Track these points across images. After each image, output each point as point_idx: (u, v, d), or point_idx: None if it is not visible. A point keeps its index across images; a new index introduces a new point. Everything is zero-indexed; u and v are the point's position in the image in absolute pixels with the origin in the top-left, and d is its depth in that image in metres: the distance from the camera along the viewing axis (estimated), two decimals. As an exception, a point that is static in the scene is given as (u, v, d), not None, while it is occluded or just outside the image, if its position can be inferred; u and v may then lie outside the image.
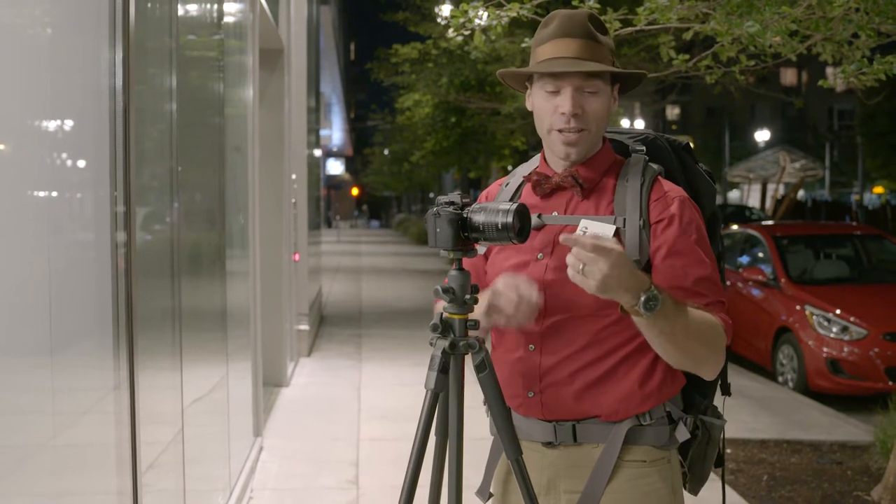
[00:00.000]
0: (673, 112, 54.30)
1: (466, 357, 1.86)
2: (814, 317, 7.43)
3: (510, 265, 2.01)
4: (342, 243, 31.17)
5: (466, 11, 4.76)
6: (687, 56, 5.06)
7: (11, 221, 1.90)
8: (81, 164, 2.33)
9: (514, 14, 4.63)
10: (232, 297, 4.33)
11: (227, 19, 4.34)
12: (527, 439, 2.01)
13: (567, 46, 1.92)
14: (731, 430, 5.68)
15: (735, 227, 10.28)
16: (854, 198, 39.67)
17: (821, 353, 7.26)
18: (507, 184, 2.15)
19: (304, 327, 8.22)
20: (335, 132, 36.90)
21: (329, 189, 44.58)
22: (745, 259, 9.12)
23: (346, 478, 4.84)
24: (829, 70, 31.67)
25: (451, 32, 5.04)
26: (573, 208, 1.99)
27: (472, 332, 1.86)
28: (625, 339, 1.93)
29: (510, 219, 1.76)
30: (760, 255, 8.81)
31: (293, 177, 7.61)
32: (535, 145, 18.20)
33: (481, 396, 1.89)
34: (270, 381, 6.68)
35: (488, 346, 1.94)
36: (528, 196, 2.06)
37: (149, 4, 2.82)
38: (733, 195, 41.32)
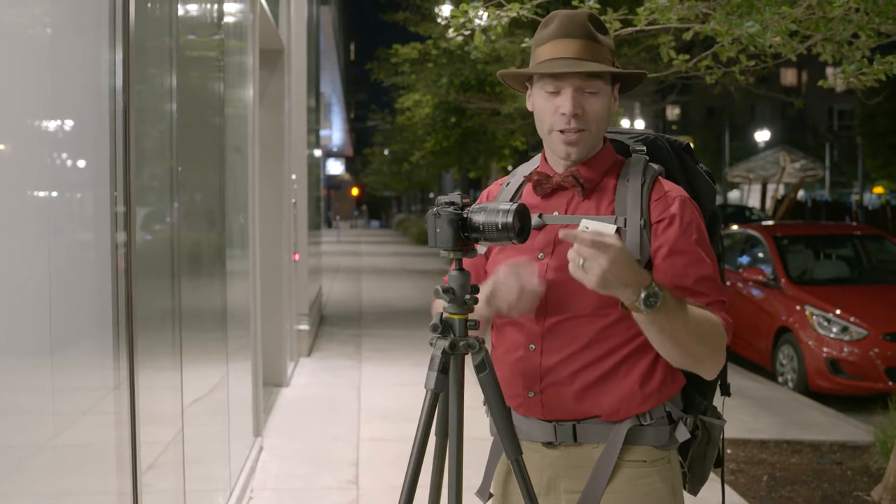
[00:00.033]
0: (673, 112, 54.29)
1: (466, 357, 1.87)
2: (814, 317, 7.43)
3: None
4: (342, 243, 31.17)
5: (466, 11, 4.76)
6: (687, 56, 5.06)
7: (11, 221, 1.90)
8: (81, 164, 2.33)
9: (514, 14, 4.63)
10: (232, 297, 4.33)
11: (228, 19, 4.34)
12: (527, 439, 2.01)
13: (567, 47, 1.93)
14: (731, 430, 5.68)
15: (735, 227, 10.28)
16: (854, 198, 39.66)
17: (821, 353, 7.26)
18: (508, 183, 2.15)
19: (304, 327, 8.22)
20: (335, 132, 36.90)
21: (329, 189, 44.60)
22: (745, 259, 9.12)
23: (346, 478, 4.84)
24: (829, 70, 31.67)
25: (451, 32, 5.04)
26: (574, 208, 2.00)
27: (472, 332, 1.86)
28: (625, 339, 1.93)
29: (510, 219, 1.76)
30: (760, 255, 8.81)
31: (293, 177, 7.61)
32: (536, 145, 18.20)
33: (481, 396, 1.89)
34: (270, 381, 6.68)
35: (488, 345, 1.94)
36: (528, 196, 2.06)
37: (149, 4, 2.82)
38: (733, 195, 41.31)
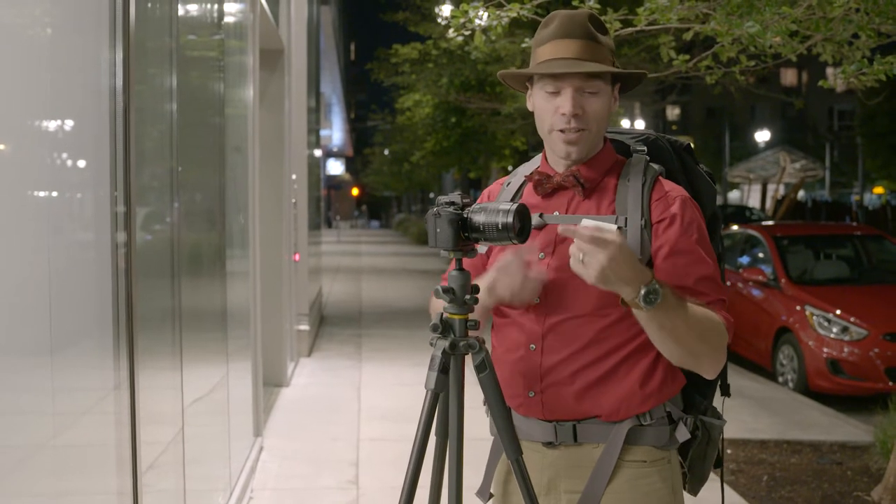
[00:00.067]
0: (673, 112, 54.30)
1: (467, 357, 1.87)
2: (814, 317, 7.43)
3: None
4: (342, 243, 31.17)
5: (467, 12, 4.76)
6: (687, 56, 5.06)
7: (11, 221, 1.90)
8: (81, 164, 2.33)
9: (515, 14, 4.63)
10: (232, 297, 4.33)
11: (228, 19, 4.34)
12: (527, 439, 2.01)
13: (567, 47, 1.93)
14: (731, 431, 5.68)
15: (735, 227, 10.28)
16: (854, 198, 39.67)
17: (821, 353, 7.26)
18: (509, 183, 2.15)
19: (305, 327, 8.22)
20: (335, 132, 36.90)
21: (329, 189, 44.61)
22: (745, 259, 9.12)
23: (346, 478, 4.84)
24: (830, 70, 31.68)
25: (451, 32, 5.04)
26: (574, 208, 2.00)
27: (472, 333, 1.86)
28: (626, 339, 1.93)
29: (510, 219, 1.76)
30: (761, 255, 8.81)
31: (293, 177, 7.61)
32: (536, 145, 18.21)
33: (481, 396, 1.89)
34: (270, 381, 6.68)
35: (488, 345, 1.94)
36: (529, 196, 2.06)
37: (149, 4, 2.82)
38: (733, 195, 41.32)
